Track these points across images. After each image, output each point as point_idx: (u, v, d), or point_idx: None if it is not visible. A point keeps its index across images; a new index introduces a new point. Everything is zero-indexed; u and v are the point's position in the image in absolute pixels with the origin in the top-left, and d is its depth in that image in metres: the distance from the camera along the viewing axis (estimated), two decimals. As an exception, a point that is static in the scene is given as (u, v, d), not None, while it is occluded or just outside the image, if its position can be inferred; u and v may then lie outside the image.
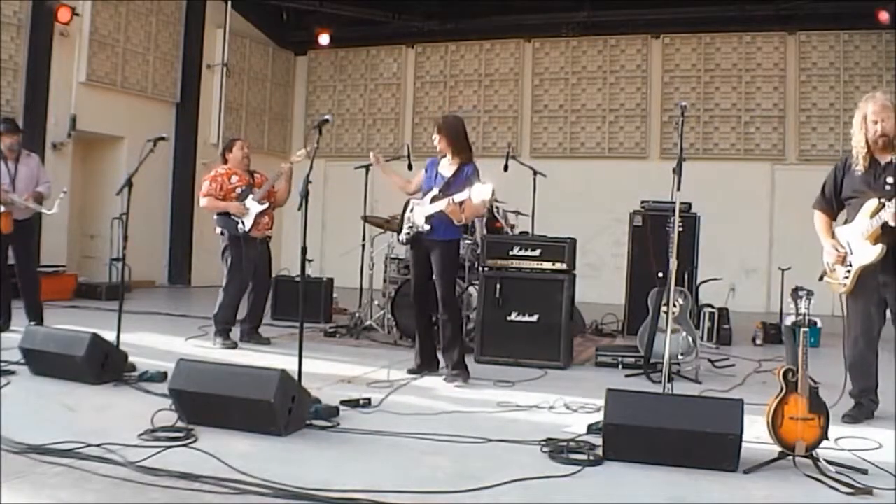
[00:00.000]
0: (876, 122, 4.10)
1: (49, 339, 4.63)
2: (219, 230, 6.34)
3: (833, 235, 4.32)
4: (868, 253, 4.09)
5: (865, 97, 4.27)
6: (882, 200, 3.99)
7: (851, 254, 4.19)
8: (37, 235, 6.56)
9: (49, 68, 9.81)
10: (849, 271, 4.19)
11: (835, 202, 4.36)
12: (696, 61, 12.07)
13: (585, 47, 12.56)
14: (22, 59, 9.61)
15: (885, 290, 4.17)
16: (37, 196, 6.33)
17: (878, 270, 4.12)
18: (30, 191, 6.29)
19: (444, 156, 5.15)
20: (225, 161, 6.46)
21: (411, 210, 5.19)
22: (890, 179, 4.00)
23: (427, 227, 5.01)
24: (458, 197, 4.84)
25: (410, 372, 5.24)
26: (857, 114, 4.23)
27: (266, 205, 6.31)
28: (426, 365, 5.29)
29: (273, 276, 7.16)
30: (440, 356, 5.27)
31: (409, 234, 5.18)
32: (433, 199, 5.00)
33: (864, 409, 4.24)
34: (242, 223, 6.22)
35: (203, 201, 6.39)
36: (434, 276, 5.08)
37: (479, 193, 4.75)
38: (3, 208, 6.08)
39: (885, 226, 4.00)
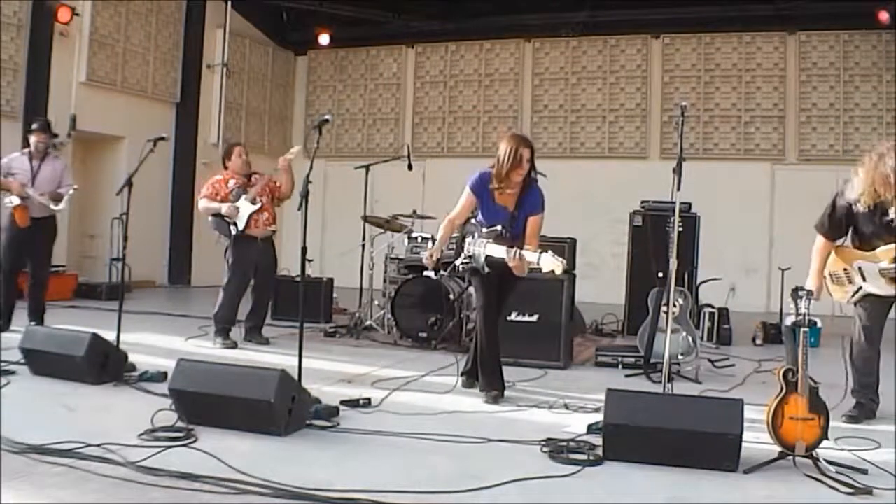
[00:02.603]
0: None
1: (49, 339, 4.64)
2: (216, 233, 6.35)
3: (821, 270, 4.33)
4: (882, 289, 4.19)
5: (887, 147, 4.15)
6: None
7: (864, 280, 4.24)
8: (54, 236, 6.59)
9: (49, 68, 9.81)
10: (856, 292, 4.27)
11: (839, 232, 4.35)
12: (696, 61, 12.07)
13: (585, 47, 12.56)
14: (22, 59, 9.61)
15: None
16: (55, 196, 6.36)
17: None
18: (49, 191, 6.32)
19: (494, 179, 4.37)
20: (225, 167, 6.48)
21: (472, 242, 4.49)
22: None
23: (486, 270, 4.40)
24: (524, 254, 4.18)
25: (495, 399, 4.52)
26: (872, 158, 4.12)
27: (259, 204, 6.27)
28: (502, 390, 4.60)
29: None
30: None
31: (466, 263, 4.52)
32: (497, 239, 4.36)
33: (864, 409, 4.26)
34: (235, 224, 6.22)
35: (201, 203, 6.40)
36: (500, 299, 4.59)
37: (547, 264, 4.04)
38: (18, 201, 6.13)
39: None
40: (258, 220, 6.29)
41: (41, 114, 9.60)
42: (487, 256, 4.38)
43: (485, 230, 4.47)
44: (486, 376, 4.61)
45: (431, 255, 4.64)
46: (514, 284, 4.64)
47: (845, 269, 4.32)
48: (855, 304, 4.36)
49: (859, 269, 4.27)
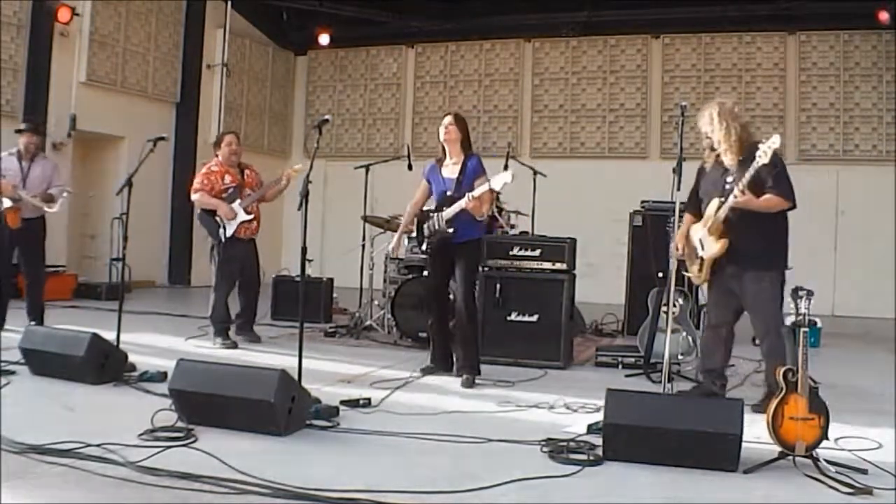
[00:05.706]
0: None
1: (49, 339, 4.64)
2: (202, 229, 6.35)
3: (687, 235, 4.60)
4: (713, 248, 4.37)
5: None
6: (721, 199, 4.31)
7: (703, 249, 4.45)
8: (44, 236, 6.59)
9: (49, 68, 9.81)
10: (701, 265, 4.49)
11: (697, 203, 4.63)
12: (696, 61, 12.07)
13: (585, 47, 12.56)
14: (22, 59, 9.61)
15: (731, 280, 4.41)
16: (46, 196, 6.32)
17: (726, 261, 4.38)
18: (40, 191, 6.30)
19: (441, 159, 5.16)
20: (216, 155, 6.47)
21: (430, 219, 5.10)
22: (729, 179, 4.37)
23: (451, 230, 4.94)
24: (476, 192, 4.83)
25: (424, 371, 5.23)
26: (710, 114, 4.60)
27: (252, 216, 6.29)
28: (441, 365, 5.25)
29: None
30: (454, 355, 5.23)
31: (431, 241, 5.11)
32: (451, 202, 4.96)
33: (703, 388, 4.54)
34: (225, 229, 6.22)
35: (195, 196, 6.35)
36: (456, 280, 5.06)
37: (500, 181, 4.74)
38: (10, 203, 6.12)
39: (726, 222, 4.29)
40: (248, 228, 6.32)
41: (41, 114, 9.65)
42: (447, 221, 4.95)
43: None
44: (439, 359, 5.18)
45: (396, 245, 5.52)
46: (463, 262, 5.01)
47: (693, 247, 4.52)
48: (708, 288, 4.58)
49: (700, 240, 4.46)
